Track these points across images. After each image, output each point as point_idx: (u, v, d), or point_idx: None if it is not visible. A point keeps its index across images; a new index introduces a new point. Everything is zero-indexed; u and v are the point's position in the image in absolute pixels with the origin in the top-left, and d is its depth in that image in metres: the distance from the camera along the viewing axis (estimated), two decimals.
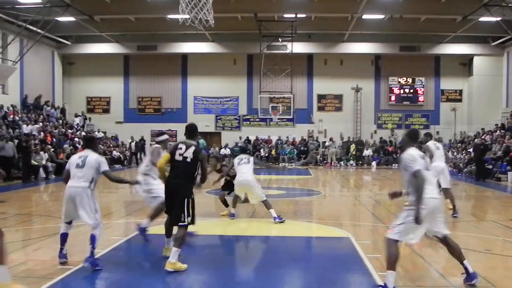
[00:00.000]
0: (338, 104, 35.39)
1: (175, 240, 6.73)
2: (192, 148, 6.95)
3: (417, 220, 5.72)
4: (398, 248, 5.85)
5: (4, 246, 5.65)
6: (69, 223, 7.08)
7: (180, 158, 6.91)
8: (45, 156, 22.24)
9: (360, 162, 33.13)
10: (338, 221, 11.32)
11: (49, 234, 8.69)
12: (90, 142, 7.37)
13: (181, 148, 6.97)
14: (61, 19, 27.12)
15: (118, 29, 30.63)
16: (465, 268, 6.01)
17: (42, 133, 26.24)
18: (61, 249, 6.97)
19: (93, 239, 6.79)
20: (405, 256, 7.93)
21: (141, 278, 6.50)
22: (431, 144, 11.59)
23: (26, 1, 24.47)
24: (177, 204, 6.77)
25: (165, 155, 7.26)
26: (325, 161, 33.15)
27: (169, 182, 6.98)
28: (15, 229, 9.84)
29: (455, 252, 6.07)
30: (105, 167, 7.00)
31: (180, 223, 6.73)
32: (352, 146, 33.83)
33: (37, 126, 26.80)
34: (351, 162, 33.13)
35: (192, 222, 6.85)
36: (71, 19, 27.89)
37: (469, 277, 5.98)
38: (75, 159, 7.07)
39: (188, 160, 6.89)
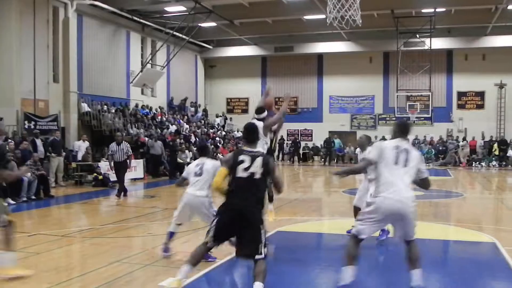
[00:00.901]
0: (480, 102, 33.44)
1: (257, 275, 5.18)
2: (259, 160, 5.40)
3: (336, 173, 5.86)
4: (358, 244, 5.45)
5: (13, 235, 6.44)
6: (179, 224, 7.76)
7: (245, 175, 5.36)
8: (189, 154, 23.60)
9: (504, 163, 31.06)
10: (479, 225, 10.90)
11: (195, 228, 9.11)
12: (204, 150, 7.96)
13: (243, 161, 5.39)
14: (204, 24, 28.65)
15: (256, 31, 31.61)
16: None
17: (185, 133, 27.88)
18: (165, 243, 7.65)
19: None
20: None
21: (283, 272, 6.70)
22: None
23: (172, 9, 26.24)
24: (249, 234, 5.29)
25: (220, 171, 5.58)
26: (461, 162, 31.57)
27: (232, 206, 5.40)
28: (163, 223, 10.51)
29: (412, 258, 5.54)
30: None
31: (257, 256, 5.25)
32: (495, 146, 31.81)
33: (186, 126, 28.58)
34: (494, 162, 31.23)
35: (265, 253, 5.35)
36: (213, 24, 29.35)
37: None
38: (192, 167, 7.63)
39: (257, 176, 5.37)
